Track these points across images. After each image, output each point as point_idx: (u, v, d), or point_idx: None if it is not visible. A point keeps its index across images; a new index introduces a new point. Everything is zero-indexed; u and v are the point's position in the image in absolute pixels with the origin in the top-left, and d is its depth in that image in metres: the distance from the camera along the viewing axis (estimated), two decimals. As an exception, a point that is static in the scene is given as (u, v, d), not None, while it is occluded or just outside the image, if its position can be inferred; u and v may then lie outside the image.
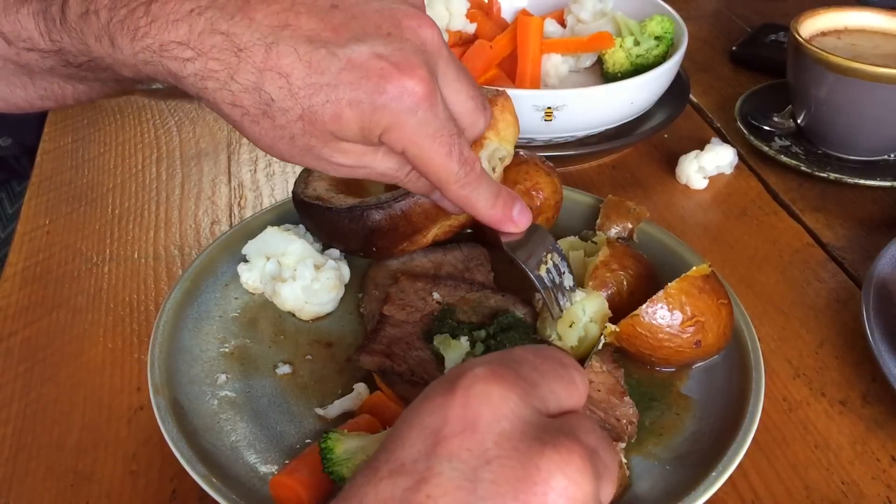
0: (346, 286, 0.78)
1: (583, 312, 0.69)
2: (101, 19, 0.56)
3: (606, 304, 0.71)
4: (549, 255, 0.69)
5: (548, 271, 0.68)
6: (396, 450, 0.37)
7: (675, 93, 1.10)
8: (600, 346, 0.69)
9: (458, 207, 0.65)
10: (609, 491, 0.39)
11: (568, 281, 0.70)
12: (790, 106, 1.09)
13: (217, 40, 0.54)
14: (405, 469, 0.36)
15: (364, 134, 0.56)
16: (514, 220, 0.66)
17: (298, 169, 1.00)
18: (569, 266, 0.71)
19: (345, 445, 0.56)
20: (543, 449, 0.36)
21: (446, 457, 0.36)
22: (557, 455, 0.36)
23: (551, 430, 0.37)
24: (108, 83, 0.66)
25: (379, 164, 0.60)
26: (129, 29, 0.55)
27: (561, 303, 0.69)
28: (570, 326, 0.69)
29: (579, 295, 0.70)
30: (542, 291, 0.68)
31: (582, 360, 0.68)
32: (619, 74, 1.10)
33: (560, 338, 0.70)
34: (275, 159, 1.04)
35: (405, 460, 0.36)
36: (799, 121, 1.07)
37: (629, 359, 0.71)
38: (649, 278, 0.75)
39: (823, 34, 1.07)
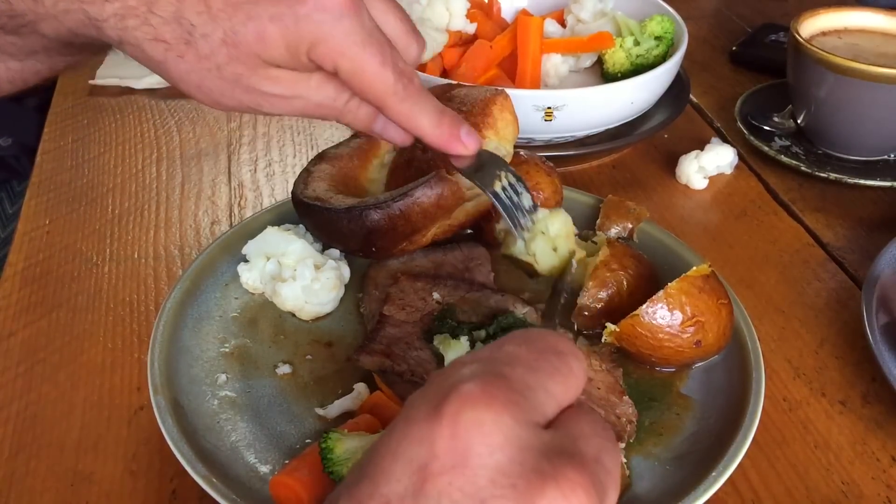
0: (346, 286, 0.78)
1: (547, 229, 0.69)
2: None
3: (570, 220, 0.70)
4: (504, 175, 0.67)
5: (504, 189, 0.67)
6: (381, 483, 0.33)
7: (675, 93, 1.10)
8: (574, 266, 0.69)
9: (404, 132, 0.63)
10: (613, 496, 0.36)
11: (526, 201, 0.68)
12: (790, 106, 1.09)
13: None
14: None
15: (291, 52, 0.56)
16: (462, 140, 0.63)
17: (298, 169, 1.00)
18: (525, 186, 0.69)
19: (345, 445, 0.56)
20: (544, 486, 0.32)
21: (435, 496, 0.32)
22: (559, 492, 0.32)
23: (551, 454, 0.34)
24: (38, 55, 0.65)
25: (314, 93, 0.59)
26: None
27: (522, 222, 0.67)
28: (538, 243, 0.69)
29: (541, 213, 0.69)
30: (501, 209, 0.66)
31: (559, 279, 0.67)
32: (619, 74, 1.10)
33: (535, 261, 0.69)
34: (275, 159, 1.04)
35: (391, 497, 0.33)
36: (799, 121, 1.07)
37: (629, 359, 0.71)
38: (649, 278, 0.75)
39: (824, 34, 1.07)
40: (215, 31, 0.55)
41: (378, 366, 0.68)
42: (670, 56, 1.06)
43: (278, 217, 0.83)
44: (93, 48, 0.65)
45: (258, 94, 0.58)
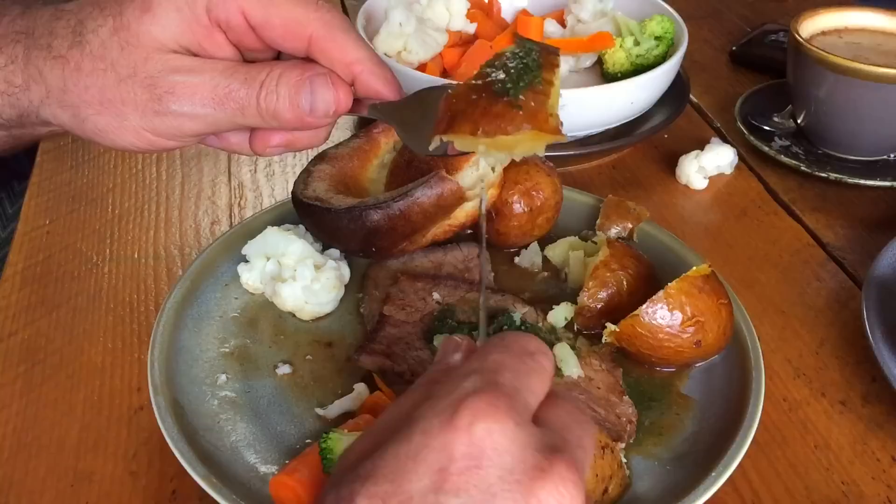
0: (346, 286, 0.78)
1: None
2: None
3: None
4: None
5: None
6: (404, 483, 0.38)
7: (675, 93, 1.10)
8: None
9: (337, 88, 0.57)
10: (587, 465, 0.43)
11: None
12: (790, 106, 1.09)
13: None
14: (414, 502, 0.38)
15: (187, 22, 0.53)
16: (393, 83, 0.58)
17: (298, 169, 1.00)
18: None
19: (345, 445, 0.56)
20: (543, 480, 0.39)
21: (454, 493, 0.38)
22: (553, 485, 0.39)
23: (546, 450, 0.40)
24: None
25: (223, 79, 0.55)
26: None
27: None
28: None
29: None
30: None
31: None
32: (619, 74, 1.10)
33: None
34: (275, 159, 1.04)
35: (413, 493, 0.38)
36: (799, 121, 1.07)
37: (629, 359, 0.71)
38: (649, 278, 0.75)
39: (824, 34, 1.07)
40: (105, 21, 0.53)
41: (378, 366, 0.68)
42: (670, 56, 1.06)
43: (278, 217, 0.83)
44: None
45: (161, 89, 0.54)
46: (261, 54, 0.58)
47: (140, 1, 0.53)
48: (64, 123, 0.58)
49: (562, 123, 0.52)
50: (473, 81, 0.53)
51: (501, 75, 0.52)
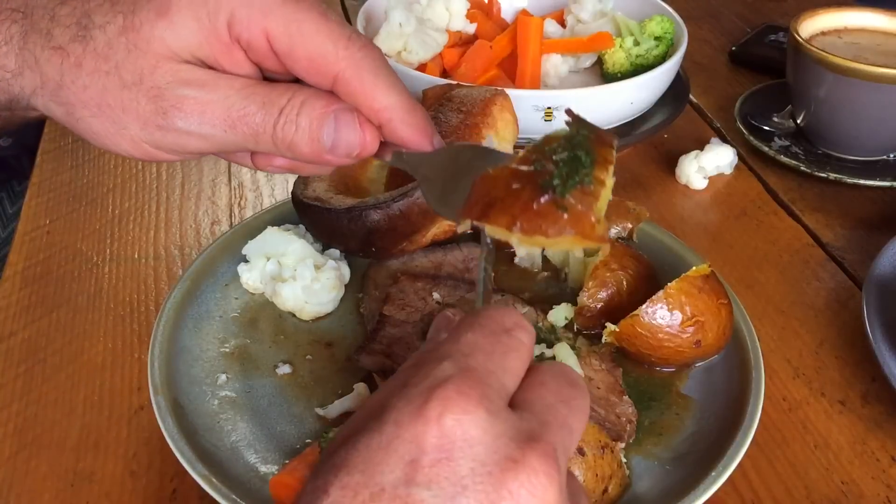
0: (346, 286, 0.78)
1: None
2: None
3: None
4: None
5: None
6: (375, 474, 0.38)
7: (675, 93, 1.10)
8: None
9: (364, 131, 0.51)
10: (573, 446, 0.42)
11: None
12: (790, 106, 1.09)
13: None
14: (386, 494, 0.37)
15: (206, 33, 0.48)
16: (431, 137, 0.53)
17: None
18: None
19: (345, 445, 0.56)
20: (515, 471, 0.38)
21: (425, 485, 0.37)
22: (525, 476, 0.38)
23: (520, 439, 0.39)
24: None
25: (239, 100, 0.50)
26: None
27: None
28: None
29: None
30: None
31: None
32: (619, 74, 1.10)
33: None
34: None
35: (385, 485, 0.37)
36: (799, 121, 1.07)
37: (629, 359, 0.71)
38: (649, 278, 0.75)
39: (823, 34, 1.07)
40: (115, 18, 0.48)
41: (378, 366, 0.68)
42: (670, 56, 1.06)
43: (278, 217, 0.83)
44: None
45: (168, 102, 0.49)
46: (283, 75, 0.52)
47: (157, 3, 0.48)
48: (56, 118, 0.53)
49: (608, 230, 0.48)
50: (517, 166, 0.47)
51: (550, 166, 0.46)
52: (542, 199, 0.45)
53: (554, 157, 0.47)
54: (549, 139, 0.48)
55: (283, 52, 0.49)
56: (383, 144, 0.53)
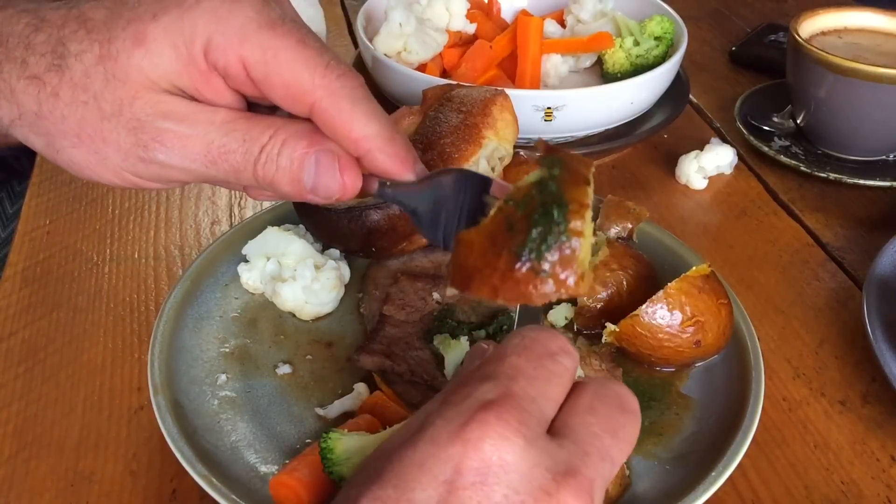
0: (346, 286, 0.78)
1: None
2: None
3: None
4: None
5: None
6: (408, 490, 0.38)
7: (675, 93, 1.10)
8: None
9: (344, 174, 0.50)
10: (612, 474, 0.41)
11: None
12: (790, 106, 1.09)
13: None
14: None
15: (182, 60, 0.47)
16: (412, 165, 0.51)
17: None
18: None
19: (345, 445, 0.56)
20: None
21: None
22: None
23: (557, 471, 0.39)
24: None
25: (219, 133, 0.48)
26: None
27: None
28: None
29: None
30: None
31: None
32: (619, 74, 1.10)
33: None
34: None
35: (416, 502, 0.38)
36: (798, 121, 1.07)
37: (629, 358, 0.72)
38: (649, 278, 0.75)
39: (823, 34, 1.07)
40: (91, 46, 0.47)
41: (378, 366, 0.68)
42: (670, 56, 1.07)
43: (278, 217, 0.83)
44: None
45: (148, 136, 0.47)
46: (267, 103, 0.51)
47: (132, 31, 0.46)
48: (36, 149, 0.51)
49: (594, 278, 0.47)
50: (490, 225, 0.45)
51: (523, 228, 0.44)
52: (519, 267, 0.44)
53: (527, 216, 0.44)
54: (519, 189, 0.46)
55: (259, 79, 0.47)
56: (368, 178, 0.51)
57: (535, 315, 0.61)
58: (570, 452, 0.40)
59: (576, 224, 0.44)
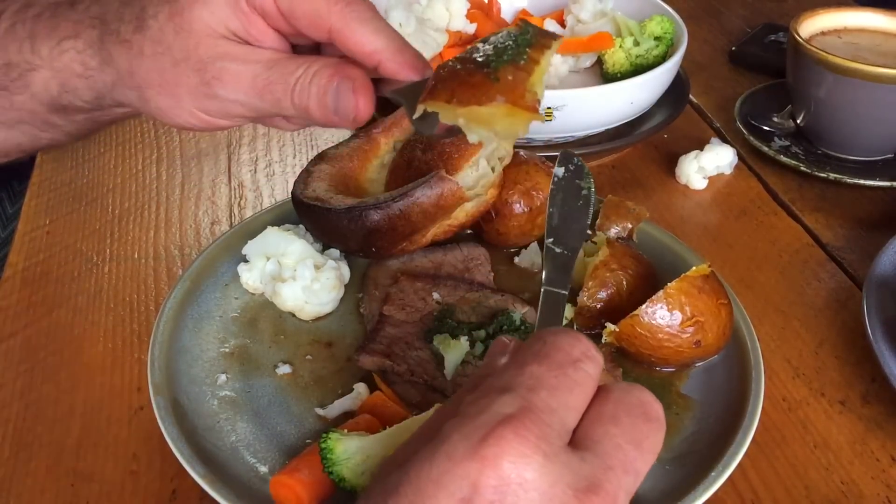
0: (346, 286, 0.78)
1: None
2: (25, 28, 0.63)
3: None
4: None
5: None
6: None
7: (675, 93, 1.10)
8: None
9: (359, 95, 0.59)
10: (634, 486, 0.40)
11: None
12: (790, 106, 1.09)
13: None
14: None
15: (232, 6, 0.57)
16: (419, 66, 0.59)
17: (298, 169, 1.01)
18: None
19: (345, 445, 0.56)
20: None
21: None
22: None
23: (579, 487, 0.38)
24: (24, 124, 0.68)
25: (265, 68, 0.58)
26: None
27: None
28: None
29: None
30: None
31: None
32: (619, 74, 1.10)
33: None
34: (275, 159, 1.04)
35: None
36: (798, 121, 1.07)
37: (629, 358, 0.72)
38: (649, 278, 0.75)
39: (823, 34, 1.07)
40: (162, 7, 0.58)
41: (378, 366, 0.68)
42: (670, 56, 1.06)
43: (278, 217, 0.83)
44: (75, 117, 0.68)
45: (210, 74, 0.58)
46: (306, 41, 0.61)
47: None
48: (132, 103, 0.63)
49: (539, 101, 0.51)
50: (463, 54, 0.54)
51: (489, 49, 0.53)
52: (476, 73, 0.51)
53: (496, 42, 0.53)
54: (496, 32, 0.55)
55: (286, 12, 0.57)
56: (385, 81, 0.60)
57: (557, 316, 0.62)
58: (592, 466, 0.39)
59: (536, 54, 0.53)
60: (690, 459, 0.63)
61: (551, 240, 0.72)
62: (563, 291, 0.66)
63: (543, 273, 0.69)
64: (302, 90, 0.58)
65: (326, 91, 0.57)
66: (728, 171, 1.03)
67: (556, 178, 0.75)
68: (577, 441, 0.40)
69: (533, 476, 0.37)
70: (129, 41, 0.59)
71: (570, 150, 0.75)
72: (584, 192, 0.75)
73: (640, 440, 0.41)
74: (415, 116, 0.54)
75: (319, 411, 0.67)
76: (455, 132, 0.54)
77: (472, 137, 0.55)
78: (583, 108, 0.98)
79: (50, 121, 0.68)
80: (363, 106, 0.58)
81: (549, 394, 0.40)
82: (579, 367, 0.42)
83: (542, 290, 0.67)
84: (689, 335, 0.68)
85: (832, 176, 1.00)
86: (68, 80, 0.63)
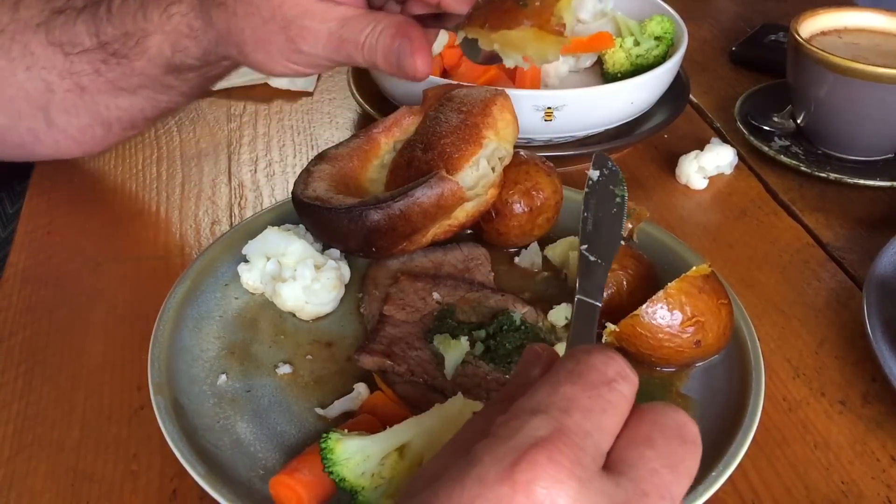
0: (346, 286, 0.78)
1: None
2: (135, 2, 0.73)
3: None
4: None
5: None
6: None
7: (675, 93, 1.10)
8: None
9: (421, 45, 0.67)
10: None
11: None
12: (790, 106, 1.09)
13: None
14: None
15: None
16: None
17: (298, 169, 1.01)
18: None
19: (345, 445, 0.56)
20: None
21: None
22: None
23: None
24: (146, 89, 0.77)
25: (339, 23, 0.65)
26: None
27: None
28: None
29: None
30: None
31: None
32: (619, 74, 1.10)
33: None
34: (275, 159, 1.04)
35: None
36: (799, 121, 1.07)
37: (629, 359, 0.70)
38: (649, 278, 0.75)
39: (823, 34, 1.07)
40: None
41: (378, 366, 0.68)
42: (670, 56, 1.06)
43: (278, 217, 0.83)
44: (187, 75, 0.77)
45: (293, 32, 0.65)
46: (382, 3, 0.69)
47: None
48: (235, 58, 0.71)
49: (564, 26, 0.58)
50: None
51: None
52: (508, 1, 0.60)
53: None
54: None
55: None
56: (448, 16, 0.68)
57: (591, 328, 0.61)
58: (627, 492, 0.38)
59: None
60: (690, 459, 0.63)
61: (585, 246, 0.70)
62: (598, 304, 0.65)
63: (578, 281, 0.66)
64: (370, 48, 0.65)
65: (390, 48, 0.65)
66: (728, 171, 1.03)
67: (590, 182, 0.75)
68: (611, 464, 0.39)
69: (566, 502, 0.36)
70: (225, 3, 0.67)
71: (604, 153, 0.79)
72: (619, 199, 0.75)
73: (675, 464, 0.40)
74: (456, 42, 0.62)
75: (319, 411, 0.67)
76: (496, 59, 0.63)
77: (509, 62, 0.65)
78: (583, 108, 0.98)
79: (166, 82, 0.76)
80: (420, 66, 0.66)
81: (582, 416, 0.39)
82: (614, 388, 0.40)
83: (576, 298, 0.64)
84: (689, 335, 0.68)
85: (832, 176, 1.00)
86: (178, 41, 0.71)
